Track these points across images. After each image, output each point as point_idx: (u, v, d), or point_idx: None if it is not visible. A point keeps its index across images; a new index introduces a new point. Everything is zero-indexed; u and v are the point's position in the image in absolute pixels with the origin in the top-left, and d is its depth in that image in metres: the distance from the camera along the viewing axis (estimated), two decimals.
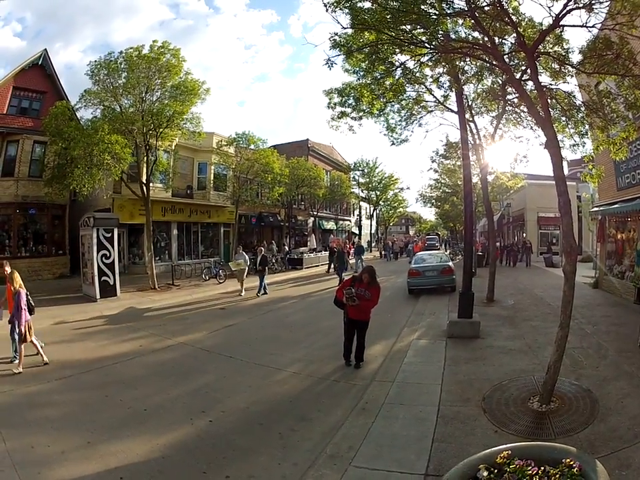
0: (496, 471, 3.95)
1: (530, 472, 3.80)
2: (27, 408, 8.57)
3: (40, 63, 29.56)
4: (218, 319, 17.05)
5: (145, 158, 25.61)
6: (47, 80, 30.02)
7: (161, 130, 24.89)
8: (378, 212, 77.74)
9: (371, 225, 76.25)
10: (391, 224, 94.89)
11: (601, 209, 20.69)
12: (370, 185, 68.27)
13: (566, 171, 48.27)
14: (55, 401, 9.10)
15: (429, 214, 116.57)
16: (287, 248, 43.34)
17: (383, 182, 69.69)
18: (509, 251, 41.97)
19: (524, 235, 50.79)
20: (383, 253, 58.08)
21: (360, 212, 75.40)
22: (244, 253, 25.11)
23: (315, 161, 55.97)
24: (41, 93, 29.58)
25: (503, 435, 6.86)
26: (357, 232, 74.75)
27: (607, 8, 9.30)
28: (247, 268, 24.07)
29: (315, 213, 55.10)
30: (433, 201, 57.92)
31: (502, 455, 4.06)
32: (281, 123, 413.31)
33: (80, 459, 6.59)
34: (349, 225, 75.08)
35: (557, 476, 3.70)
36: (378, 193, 70.01)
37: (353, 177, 67.29)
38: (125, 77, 23.86)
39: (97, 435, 7.38)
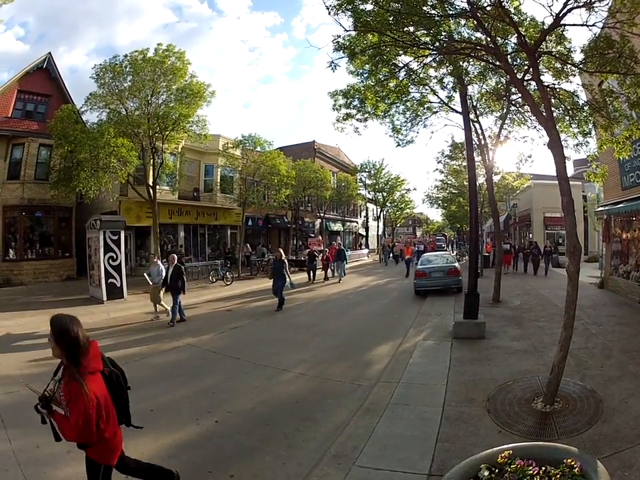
0: (497, 470, 3.93)
1: (530, 472, 3.77)
2: (32, 408, 8.63)
3: (44, 66, 29.87)
4: (224, 321, 17.10)
5: (151, 161, 25.79)
6: (52, 83, 30.30)
7: (167, 133, 25.11)
8: (385, 213, 77.59)
9: (378, 227, 76.13)
10: (398, 225, 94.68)
11: (606, 208, 20.66)
12: (377, 187, 68.13)
13: (571, 171, 48.04)
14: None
15: (435, 215, 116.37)
16: (264, 249, 42.18)
17: (390, 183, 69.50)
18: (526, 254, 36.21)
19: (530, 235, 50.70)
20: (381, 256, 54.06)
21: (367, 213, 75.29)
22: (159, 262, 19.31)
23: (321, 163, 56.09)
24: (45, 96, 29.88)
25: (506, 435, 6.85)
26: (364, 233, 74.78)
27: (607, 6, 9.29)
28: (160, 283, 17.98)
29: (322, 215, 55.03)
30: (440, 202, 57.63)
31: (503, 455, 4.02)
32: (286, 125, 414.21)
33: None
34: (356, 226, 75.17)
35: (558, 476, 3.67)
36: (385, 194, 69.83)
37: (360, 179, 67.19)
38: (130, 80, 24.16)
39: None
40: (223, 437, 7.52)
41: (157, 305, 18.37)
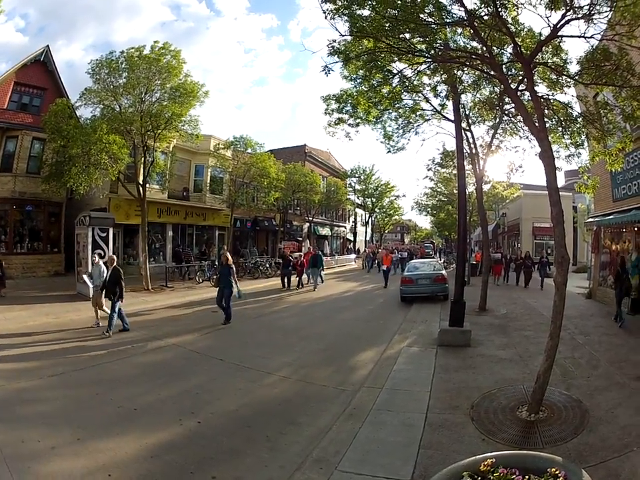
0: (479, 478, 3.90)
1: None
2: (19, 403, 8.61)
3: (42, 59, 29.72)
4: (210, 321, 17.05)
5: (142, 159, 25.69)
6: (48, 76, 30.14)
7: (159, 131, 25.04)
8: (373, 219, 77.77)
9: (366, 232, 76.33)
10: (386, 231, 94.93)
11: (597, 219, 20.85)
12: (366, 192, 68.41)
13: (562, 182, 48.32)
14: (46, 397, 9.17)
15: (424, 222, 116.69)
16: (246, 251, 41.70)
17: (379, 189, 69.78)
18: (519, 265, 32.96)
19: (518, 245, 50.83)
20: (364, 264, 50.76)
21: (355, 218, 75.73)
22: (101, 263, 16.86)
23: (311, 167, 56.27)
24: (41, 90, 29.71)
25: (490, 443, 6.88)
26: (352, 238, 75.02)
27: (607, 18, 9.32)
28: (100, 286, 15.82)
29: (311, 219, 55.31)
30: (429, 209, 57.78)
31: (486, 463, 4.00)
32: (278, 128, 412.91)
33: (70, 455, 6.66)
34: (344, 231, 75.24)
35: None
36: (374, 200, 70.13)
37: (350, 184, 67.41)
38: (126, 76, 24.11)
39: (87, 431, 7.44)
40: (205, 438, 7.50)
41: (99, 310, 16.07)
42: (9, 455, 6.44)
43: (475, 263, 36.18)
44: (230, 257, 18.10)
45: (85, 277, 17.60)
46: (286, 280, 29.85)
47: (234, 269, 17.69)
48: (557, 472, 3.71)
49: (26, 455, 6.57)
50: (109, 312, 15.35)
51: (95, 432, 7.43)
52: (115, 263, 15.82)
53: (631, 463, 6.03)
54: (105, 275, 15.91)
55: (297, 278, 30.77)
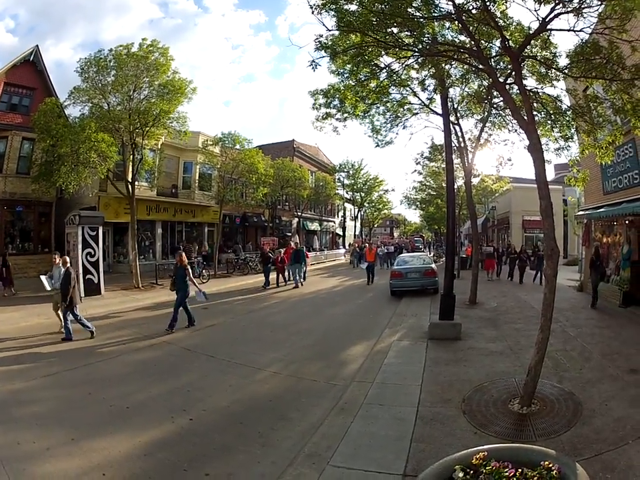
0: (472, 472, 3.95)
1: (507, 474, 3.80)
2: (13, 404, 8.63)
3: (31, 59, 29.58)
4: (200, 319, 16.98)
5: (131, 156, 25.67)
6: (38, 76, 30.01)
7: (148, 129, 25.00)
8: (362, 213, 77.69)
9: (355, 227, 76.24)
10: (376, 225, 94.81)
11: (587, 212, 20.96)
12: (355, 187, 68.09)
13: (552, 175, 48.58)
14: (40, 397, 9.19)
15: (413, 216, 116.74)
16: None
17: (368, 183, 69.47)
18: (512, 259, 31.18)
19: (508, 237, 50.85)
20: (352, 259, 47.81)
21: (344, 213, 75.59)
22: (62, 266, 15.00)
23: (300, 162, 56.18)
24: (31, 90, 29.58)
25: (482, 437, 6.88)
26: (341, 233, 74.97)
27: (597, 12, 9.32)
28: (58, 290, 14.50)
29: (299, 214, 55.17)
30: (418, 203, 57.82)
31: (478, 457, 4.02)
32: (266, 123, 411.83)
33: (64, 455, 6.68)
34: (333, 226, 75.18)
35: (535, 478, 3.70)
36: (363, 194, 69.82)
37: (338, 178, 67.24)
38: (114, 74, 24.08)
39: (80, 431, 7.47)
40: (197, 435, 7.53)
41: (61, 314, 14.68)
42: (5, 457, 6.47)
43: (464, 256, 36.16)
44: (185, 258, 16.39)
45: (43, 278, 15.64)
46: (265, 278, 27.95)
47: (189, 269, 16.43)
48: (550, 465, 3.75)
49: (21, 457, 6.60)
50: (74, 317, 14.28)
51: (89, 431, 7.47)
52: (68, 264, 14.83)
53: (627, 456, 6.03)
54: (74, 277, 14.60)
55: (277, 275, 29.34)
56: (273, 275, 28.78)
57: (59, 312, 14.76)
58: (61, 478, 6.07)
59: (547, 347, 8.06)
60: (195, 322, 16.03)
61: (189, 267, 16.42)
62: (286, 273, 30.19)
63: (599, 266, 18.01)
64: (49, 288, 15.23)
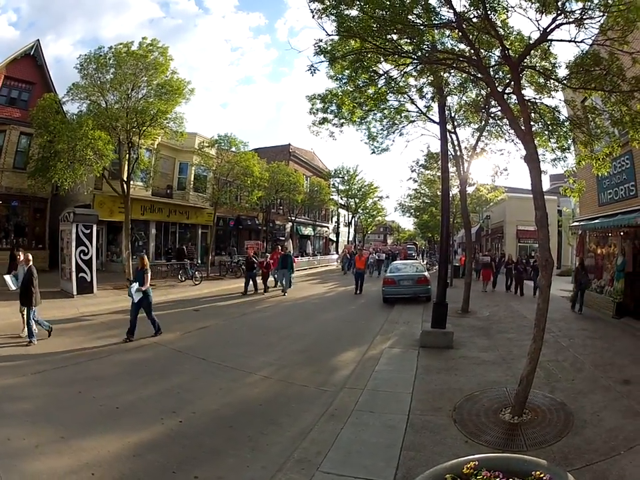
0: None
1: None
2: (4, 400, 8.59)
3: (32, 53, 29.64)
4: (192, 321, 17.01)
5: (127, 155, 25.60)
6: (37, 71, 30.01)
7: (144, 128, 24.97)
8: (356, 219, 77.73)
9: (349, 232, 76.31)
10: (369, 232, 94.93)
11: (582, 223, 21.06)
12: (349, 192, 68.17)
13: (547, 185, 48.61)
14: (30, 394, 9.14)
15: (407, 223, 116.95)
16: (235, 250, 40.45)
17: (363, 190, 69.56)
18: (509, 270, 29.49)
19: (502, 247, 50.90)
20: (343, 266, 47.33)
21: (338, 219, 75.58)
22: (25, 267, 13.88)
23: (295, 166, 56.19)
24: (30, 84, 29.57)
25: (473, 446, 6.89)
26: (335, 239, 74.99)
27: (598, 23, 9.33)
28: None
29: (293, 218, 55.21)
30: (412, 210, 57.81)
31: (469, 466, 3.94)
32: (263, 127, 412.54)
33: (53, 453, 6.67)
34: (327, 231, 75.21)
35: None
36: (357, 200, 69.92)
37: (333, 184, 67.28)
38: (113, 72, 24.03)
39: (70, 430, 7.45)
40: (187, 437, 7.52)
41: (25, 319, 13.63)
42: None
43: (458, 265, 36.18)
44: (147, 261, 15.35)
45: (7, 277, 14.74)
46: (251, 283, 26.50)
47: (149, 273, 15.08)
48: (541, 475, 3.67)
49: (11, 453, 6.58)
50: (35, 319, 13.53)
51: (78, 430, 7.46)
52: (30, 262, 13.81)
53: (619, 466, 6.05)
54: (36, 278, 13.72)
55: (262, 280, 28.01)
56: (258, 280, 27.55)
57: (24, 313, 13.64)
58: (51, 476, 6.05)
59: (539, 357, 8.06)
60: (134, 333, 14.15)
61: (149, 270, 15.09)
62: (270, 279, 29.08)
63: (583, 276, 19.37)
64: (13, 287, 14.44)
